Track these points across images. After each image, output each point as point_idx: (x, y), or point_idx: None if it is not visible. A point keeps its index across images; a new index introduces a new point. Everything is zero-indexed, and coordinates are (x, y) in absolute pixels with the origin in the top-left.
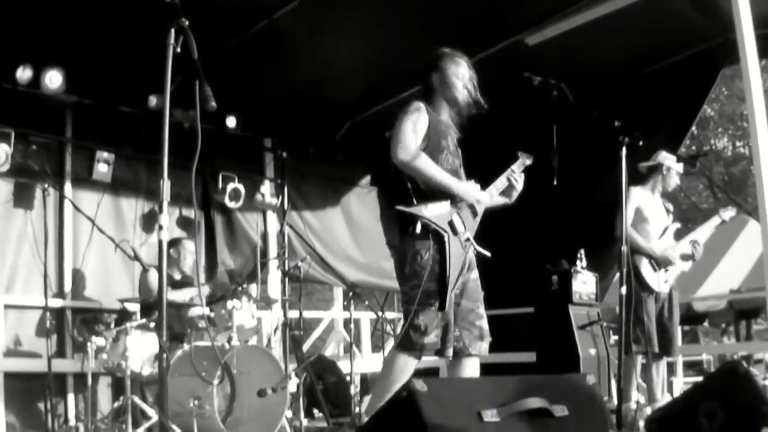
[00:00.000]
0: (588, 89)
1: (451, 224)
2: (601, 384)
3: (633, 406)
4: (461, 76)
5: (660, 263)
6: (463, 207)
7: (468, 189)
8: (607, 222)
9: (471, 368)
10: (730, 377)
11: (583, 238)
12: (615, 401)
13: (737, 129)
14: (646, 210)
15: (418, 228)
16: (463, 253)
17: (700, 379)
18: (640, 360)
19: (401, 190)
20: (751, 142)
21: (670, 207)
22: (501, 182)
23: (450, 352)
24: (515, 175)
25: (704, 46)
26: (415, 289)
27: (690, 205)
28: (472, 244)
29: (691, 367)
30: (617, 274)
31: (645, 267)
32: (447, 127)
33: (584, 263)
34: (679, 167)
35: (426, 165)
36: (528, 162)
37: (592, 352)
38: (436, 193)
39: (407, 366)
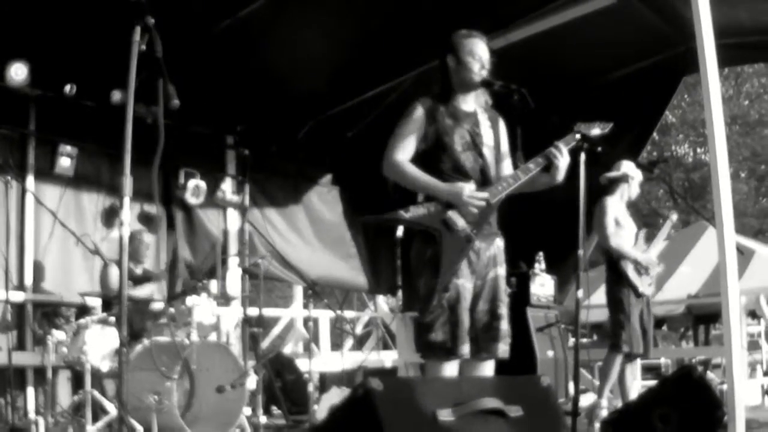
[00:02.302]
0: (550, 94)
1: (444, 222)
2: (558, 386)
3: (604, 403)
4: (478, 57)
5: (644, 267)
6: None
7: (451, 191)
8: (568, 226)
9: (483, 370)
10: (685, 382)
11: (542, 241)
12: (571, 404)
13: (698, 136)
14: (620, 218)
15: (400, 232)
16: (464, 249)
17: (656, 382)
18: (620, 360)
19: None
20: (708, 150)
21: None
22: (534, 163)
23: (463, 350)
24: (555, 152)
25: (666, 55)
26: (416, 289)
27: (650, 210)
28: (475, 237)
29: (650, 371)
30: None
31: (631, 271)
32: (459, 119)
33: (543, 266)
34: (640, 176)
35: (406, 175)
36: (577, 137)
37: (550, 354)
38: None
39: (437, 370)
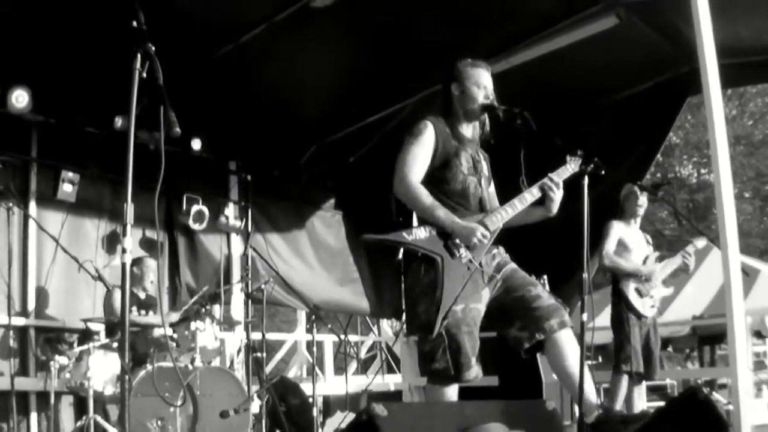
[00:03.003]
0: (554, 117)
1: (447, 247)
2: (563, 409)
3: None
4: (482, 86)
5: (646, 280)
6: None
7: (462, 230)
8: (572, 249)
9: (564, 341)
10: (691, 402)
11: (546, 265)
12: (576, 427)
13: (702, 157)
14: (627, 241)
15: (400, 255)
16: (465, 276)
17: (662, 404)
18: (626, 381)
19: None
20: (712, 171)
21: (649, 238)
22: (530, 194)
23: (468, 376)
24: (551, 184)
25: (670, 75)
26: (416, 315)
27: (654, 231)
28: (476, 263)
29: (655, 391)
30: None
31: (631, 293)
32: (464, 143)
33: (547, 288)
34: (643, 199)
35: (420, 202)
36: (571, 167)
37: (555, 377)
38: None
39: (438, 394)
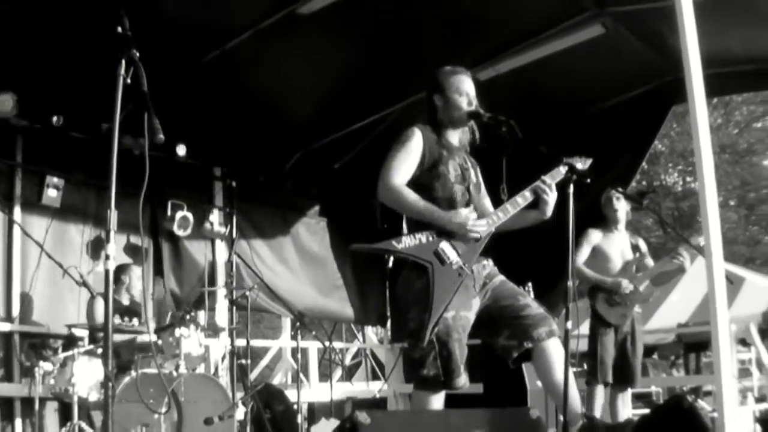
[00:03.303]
0: (539, 125)
1: (437, 254)
2: (548, 417)
3: None
4: (465, 93)
5: (613, 293)
6: (459, 234)
7: (453, 219)
8: (557, 256)
9: (552, 350)
10: (675, 410)
11: (532, 273)
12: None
13: (687, 165)
14: (605, 248)
15: (390, 263)
16: (456, 283)
17: (648, 411)
18: (601, 390)
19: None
20: (697, 179)
21: (639, 242)
22: (522, 197)
23: (458, 383)
24: (544, 187)
25: (655, 84)
26: (405, 322)
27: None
28: (467, 270)
29: (640, 399)
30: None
31: (600, 303)
32: (451, 151)
33: (532, 296)
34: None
35: (405, 200)
36: (564, 170)
37: (540, 384)
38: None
39: (425, 401)
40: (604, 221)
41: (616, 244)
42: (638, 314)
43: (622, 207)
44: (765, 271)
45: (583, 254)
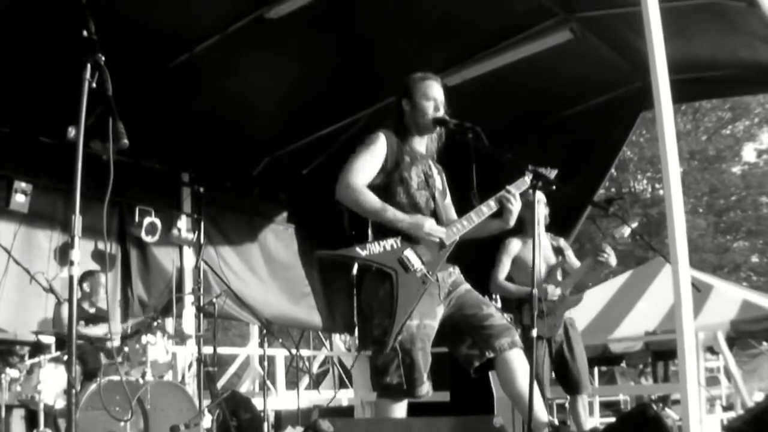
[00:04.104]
0: (507, 131)
1: (401, 261)
2: (515, 426)
3: None
4: (432, 98)
5: (540, 300)
6: (423, 240)
7: (413, 223)
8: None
9: (514, 360)
10: (640, 419)
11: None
12: None
13: (656, 172)
14: (526, 257)
15: (355, 270)
16: (419, 290)
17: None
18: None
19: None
20: (664, 187)
21: (561, 243)
22: (487, 206)
23: (420, 392)
24: (508, 196)
25: (624, 90)
26: (370, 330)
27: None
28: (431, 278)
29: (609, 407)
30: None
31: (526, 317)
32: (414, 157)
33: (498, 304)
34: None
35: (362, 200)
36: (529, 180)
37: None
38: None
39: (387, 409)
40: (522, 227)
41: (542, 251)
42: (571, 319)
43: (541, 210)
44: (733, 278)
45: (504, 268)
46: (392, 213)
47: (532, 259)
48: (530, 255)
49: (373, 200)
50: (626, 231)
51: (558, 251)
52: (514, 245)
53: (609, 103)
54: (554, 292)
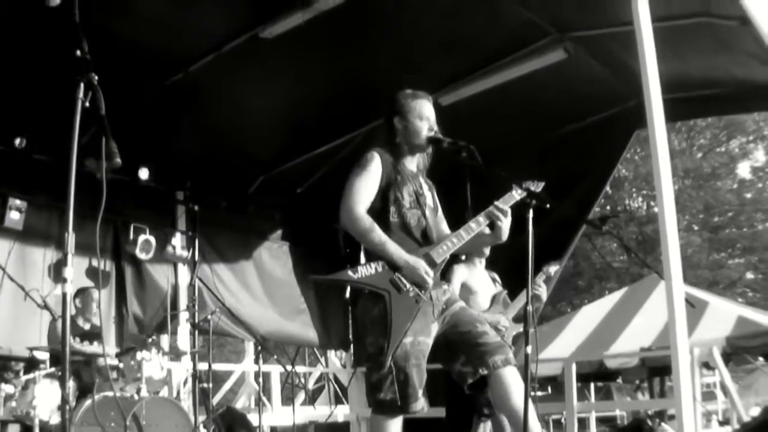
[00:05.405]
0: (502, 149)
1: (393, 282)
2: None
3: None
4: (425, 117)
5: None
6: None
7: (407, 267)
8: (515, 282)
9: (508, 378)
10: None
11: None
12: None
13: (651, 189)
14: (471, 284)
15: (347, 293)
16: (413, 309)
17: None
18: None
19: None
20: (657, 204)
21: (496, 276)
22: (476, 223)
23: (415, 408)
24: (497, 213)
25: (618, 109)
26: (364, 347)
27: (603, 264)
28: (424, 296)
29: (605, 422)
30: None
31: None
32: (408, 177)
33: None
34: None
35: (367, 234)
36: (517, 194)
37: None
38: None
39: (382, 426)
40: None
41: (481, 278)
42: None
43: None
44: (728, 295)
45: (456, 292)
46: (393, 250)
47: (478, 287)
48: (476, 281)
49: (378, 239)
50: (553, 268)
51: (494, 281)
52: (462, 272)
53: (603, 122)
54: (505, 321)
